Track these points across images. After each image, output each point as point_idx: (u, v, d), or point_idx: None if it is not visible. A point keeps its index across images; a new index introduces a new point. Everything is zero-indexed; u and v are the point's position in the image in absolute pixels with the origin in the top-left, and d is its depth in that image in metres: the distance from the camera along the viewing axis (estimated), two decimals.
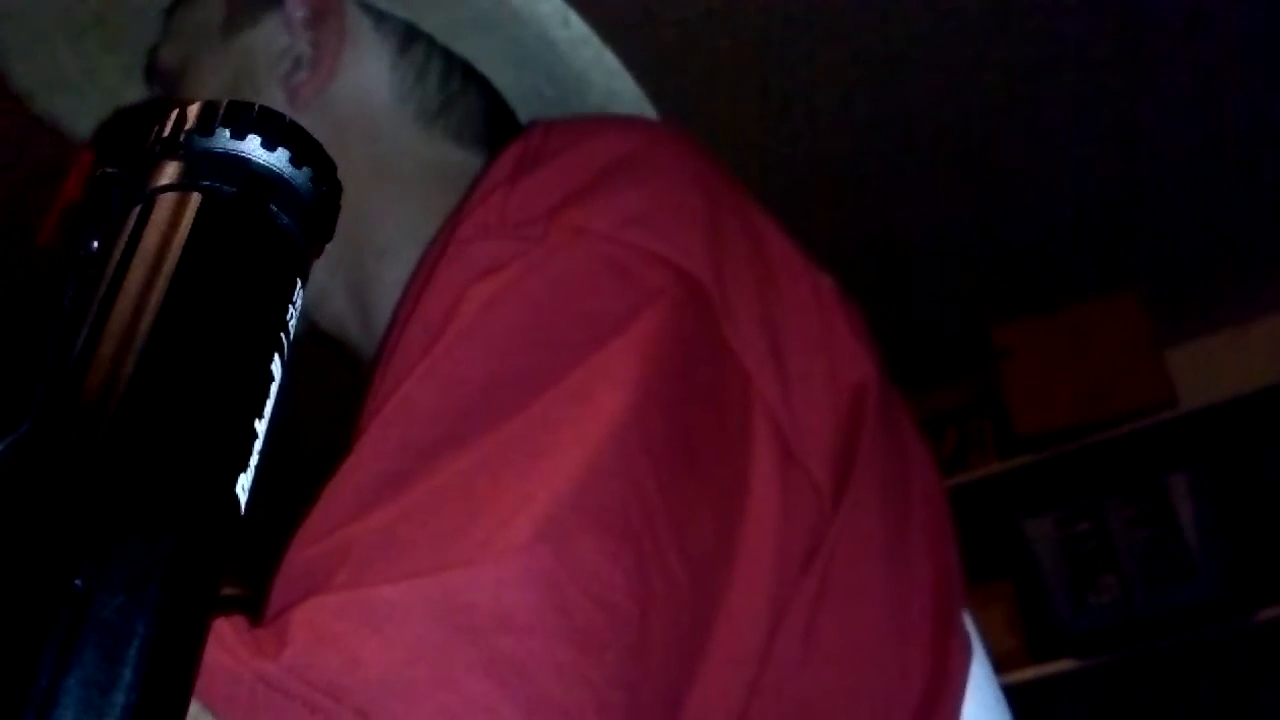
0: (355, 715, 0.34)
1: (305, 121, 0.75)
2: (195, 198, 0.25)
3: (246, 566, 0.38)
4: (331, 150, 0.75)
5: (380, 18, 0.64)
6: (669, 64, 1.65)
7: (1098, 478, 2.27)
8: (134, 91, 0.75)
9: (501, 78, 0.66)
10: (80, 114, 0.76)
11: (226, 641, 0.35)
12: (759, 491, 0.46)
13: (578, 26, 0.62)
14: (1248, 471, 2.21)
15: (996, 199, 2.07)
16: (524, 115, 0.68)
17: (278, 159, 0.26)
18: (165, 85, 0.69)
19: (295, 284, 0.27)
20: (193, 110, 0.27)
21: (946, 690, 0.51)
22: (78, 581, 0.20)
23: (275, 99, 0.63)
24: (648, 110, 0.69)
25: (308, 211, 0.27)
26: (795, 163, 1.88)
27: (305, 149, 0.27)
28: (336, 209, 0.28)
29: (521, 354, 0.45)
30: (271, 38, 0.64)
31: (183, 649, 0.21)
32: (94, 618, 0.20)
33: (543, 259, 0.47)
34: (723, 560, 0.44)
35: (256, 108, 0.27)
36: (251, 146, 0.26)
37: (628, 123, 0.62)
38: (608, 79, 0.64)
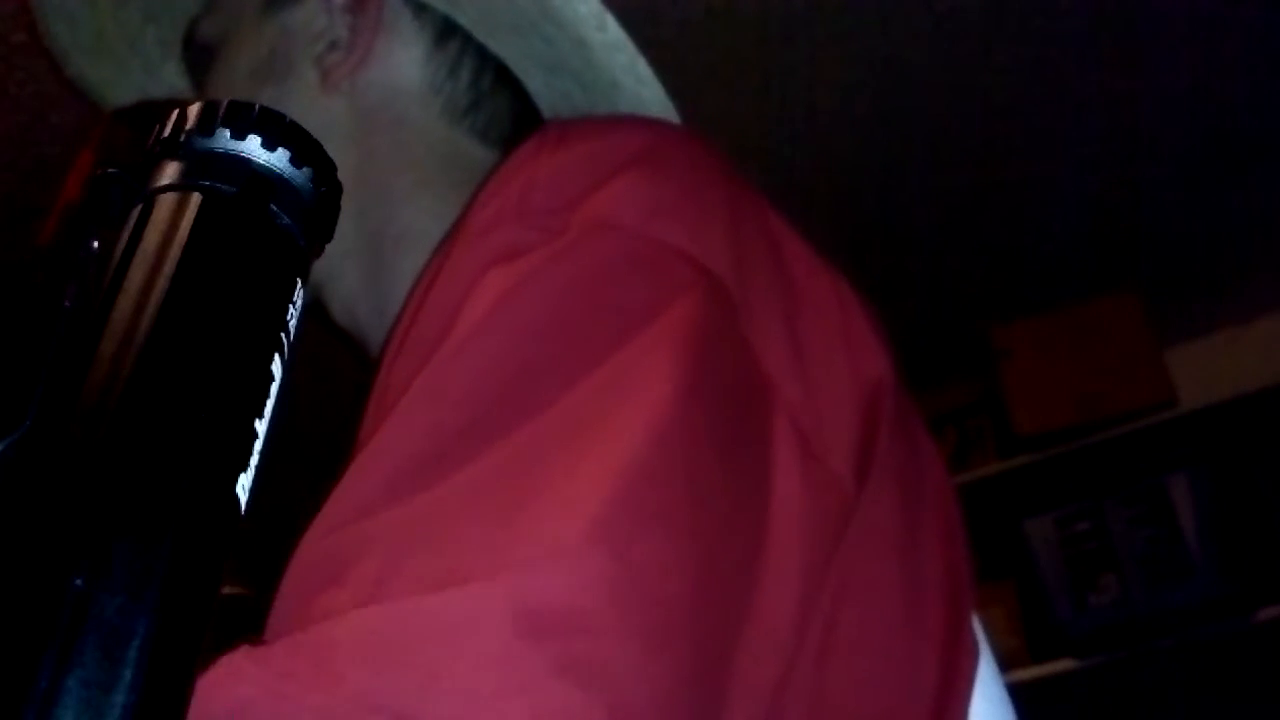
0: None
1: (335, 104, 0.74)
2: (195, 198, 0.25)
3: (247, 566, 0.37)
4: (358, 133, 0.75)
5: (420, 9, 0.65)
6: (669, 64, 1.64)
7: (1097, 478, 2.27)
8: (170, 66, 0.75)
9: (533, 81, 0.66)
10: (112, 83, 0.76)
11: (259, 679, 0.32)
12: (782, 490, 0.45)
13: (613, 31, 0.62)
14: (1247, 471, 2.21)
15: (996, 199, 2.06)
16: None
17: (278, 159, 0.26)
18: (201, 58, 0.70)
19: (295, 284, 0.27)
20: (193, 110, 0.27)
21: (956, 689, 0.51)
22: (78, 581, 0.20)
23: (308, 78, 0.63)
24: (673, 119, 0.69)
25: (308, 211, 0.27)
26: (795, 163, 1.88)
27: (305, 149, 0.27)
28: (337, 209, 0.28)
29: (550, 342, 0.43)
30: (311, 19, 0.65)
31: (183, 649, 0.21)
32: (95, 617, 0.20)
33: (565, 251, 0.45)
34: (753, 555, 0.44)
35: (257, 108, 0.27)
36: (252, 146, 0.26)
37: (644, 121, 0.62)
38: (637, 86, 0.64)
